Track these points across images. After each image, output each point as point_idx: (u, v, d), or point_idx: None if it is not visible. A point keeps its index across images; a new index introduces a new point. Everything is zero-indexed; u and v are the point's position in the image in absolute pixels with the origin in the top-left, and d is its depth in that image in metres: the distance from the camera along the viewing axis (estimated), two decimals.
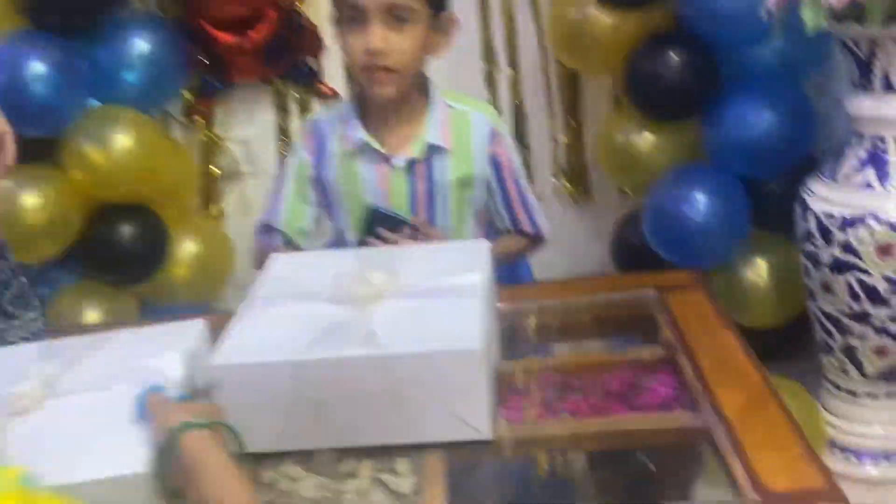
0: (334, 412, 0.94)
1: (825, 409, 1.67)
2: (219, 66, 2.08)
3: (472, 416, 0.94)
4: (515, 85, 2.20)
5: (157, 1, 2.02)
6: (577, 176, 2.26)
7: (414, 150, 1.30)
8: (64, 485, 0.73)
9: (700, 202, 1.77)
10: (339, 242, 1.37)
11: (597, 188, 2.26)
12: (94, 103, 1.91)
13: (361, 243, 1.28)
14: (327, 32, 2.11)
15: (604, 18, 1.81)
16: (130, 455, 0.78)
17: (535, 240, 1.45)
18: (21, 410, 0.85)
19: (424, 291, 1.04)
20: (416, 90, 1.31)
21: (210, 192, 2.25)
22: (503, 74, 2.19)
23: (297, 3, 2.06)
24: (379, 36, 1.22)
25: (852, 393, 1.61)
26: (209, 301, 2.18)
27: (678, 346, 1.10)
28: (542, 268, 1.89)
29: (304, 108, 2.19)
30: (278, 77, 2.14)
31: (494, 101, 2.20)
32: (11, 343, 1.15)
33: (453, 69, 2.16)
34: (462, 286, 1.04)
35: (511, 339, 1.21)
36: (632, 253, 2.00)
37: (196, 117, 2.17)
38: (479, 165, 1.34)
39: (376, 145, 1.30)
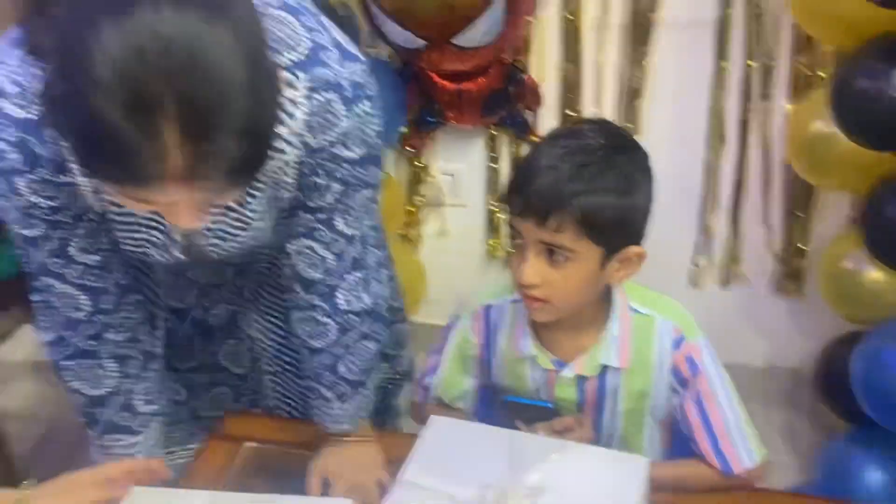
0: None
1: None
2: (438, 106, 2.08)
3: None
4: (741, 163, 2.04)
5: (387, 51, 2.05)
6: (791, 267, 2.09)
7: (585, 368, 1.20)
8: None
9: None
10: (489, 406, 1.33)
11: (811, 285, 2.08)
12: None
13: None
14: (546, 89, 2.05)
15: (848, 142, 1.60)
16: None
17: (727, 476, 1.18)
18: None
19: None
20: (595, 306, 1.19)
21: (411, 218, 2.30)
22: (730, 150, 2.03)
23: (520, 59, 2.01)
24: (533, 270, 1.09)
25: None
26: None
27: None
28: (741, 351, 1.76)
29: (515, 154, 2.16)
30: (493, 124, 2.12)
31: (715, 179, 2.07)
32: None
33: (679, 131, 2.04)
34: None
35: None
36: (839, 379, 1.83)
37: (410, 149, 2.20)
38: (660, 377, 1.20)
39: (544, 360, 1.21)
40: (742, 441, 1.18)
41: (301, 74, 0.95)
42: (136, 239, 1.09)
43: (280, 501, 1.09)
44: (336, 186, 1.06)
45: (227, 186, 0.82)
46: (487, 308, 1.27)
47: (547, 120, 2.08)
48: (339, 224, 1.10)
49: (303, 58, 0.96)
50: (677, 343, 1.19)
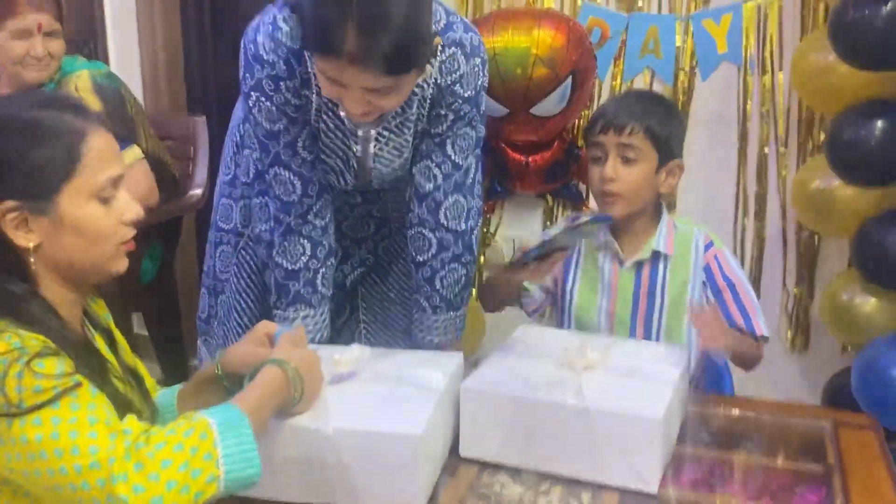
0: (541, 442, 1.26)
1: None
2: (506, 177, 2.54)
3: (646, 472, 1.22)
4: (759, 233, 2.45)
5: None
6: (800, 326, 2.43)
7: (642, 254, 1.64)
8: (356, 429, 1.15)
9: None
10: None
11: (817, 342, 2.42)
12: None
13: None
14: None
15: (844, 190, 2.03)
16: (406, 423, 1.17)
17: (757, 338, 1.63)
18: (338, 379, 1.29)
19: (627, 371, 1.35)
20: (650, 214, 1.65)
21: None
22: (749, 221, 2.45)
23: (577, 136, 2.50)
24: (611, 168, 1.59)
25: None
26: None
27: (836, 470, 1.30)
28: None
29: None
30: (551, 193, 2.57)
31: (742, 243, 2.47)
32: None
33: (709, 207, 2.46)
34: (658, 374, 1.34)
35: (697, 430, 1.46)
36: (841, 406, 2.12)
37: None
38: (696, 270, 1.64)
39: (615, 246, 1.65)
40: (759, 314, 1.63)
41: (438, 37, 1.44)
42: (325, 163, 1.53)
43: (400, 355, 1.44)
44: (450, 116, 1.51)
45: (384, 74, 1.26)
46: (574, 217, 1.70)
47: None
48: (449, 149, 1.54)
49: (441, 26, 1.45)
50: (707, 247, 1.65)
